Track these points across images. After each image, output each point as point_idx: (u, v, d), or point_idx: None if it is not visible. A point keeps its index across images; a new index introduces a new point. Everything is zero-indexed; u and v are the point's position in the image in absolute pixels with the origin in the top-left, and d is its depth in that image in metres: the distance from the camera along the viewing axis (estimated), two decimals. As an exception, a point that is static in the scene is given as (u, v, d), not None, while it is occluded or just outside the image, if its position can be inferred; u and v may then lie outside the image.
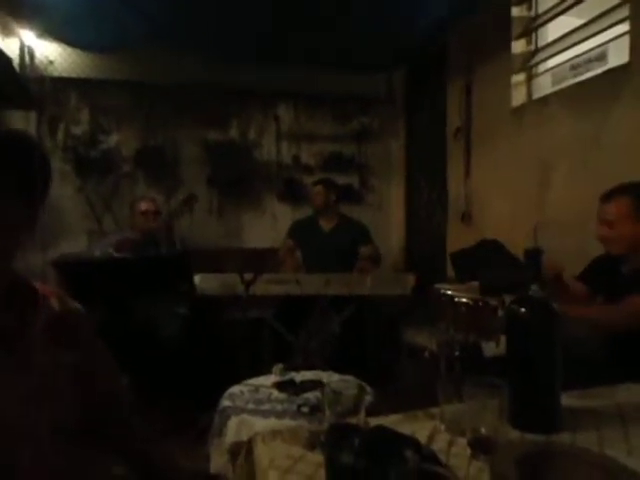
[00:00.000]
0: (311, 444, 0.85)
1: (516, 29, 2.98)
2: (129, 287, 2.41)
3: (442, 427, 0.92)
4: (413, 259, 4.17)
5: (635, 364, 1.35)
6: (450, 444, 0.85)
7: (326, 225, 3.40)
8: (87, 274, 2.32)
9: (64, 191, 3.63)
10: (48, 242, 3.58)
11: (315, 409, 1.82)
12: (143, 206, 3.10)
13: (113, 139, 3.70)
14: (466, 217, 3.39)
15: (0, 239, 0.77)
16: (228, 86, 3.81)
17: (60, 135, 3.62)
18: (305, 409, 1.83)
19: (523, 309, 0.88)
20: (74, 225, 3.65)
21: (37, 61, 3.51)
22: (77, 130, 3.64)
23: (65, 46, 3.51)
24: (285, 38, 3.37)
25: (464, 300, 1.84)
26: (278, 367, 2.19)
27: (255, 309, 2.91)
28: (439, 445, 0.85)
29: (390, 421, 0.93)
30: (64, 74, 3.56)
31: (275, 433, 0.92)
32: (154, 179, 3.79)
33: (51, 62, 3.53)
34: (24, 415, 0.73)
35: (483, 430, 0.82)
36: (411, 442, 0.73)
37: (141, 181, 3.78)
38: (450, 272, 3.27)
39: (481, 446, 0.80)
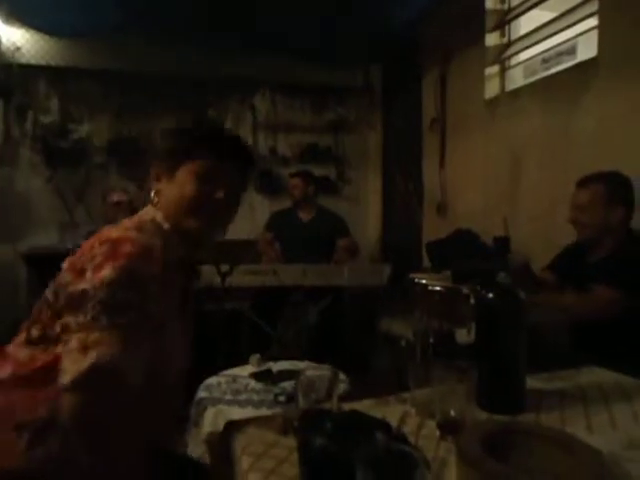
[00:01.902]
0: (285, 429, 0.87)
1: (490, 22, 3.02)
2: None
3: (413, 411, 0.94)
4: (390, 249, 4.21)
5: (599, 349, 1.40)
6: (420, 426, 0.88)
7: (304, 217, 3.40)
8: (58, 267, 2.27)
9: (33, 182, 3.54)
10: (18, 234, 3.49)
11: (292, 398, 1.83)
12: (115, 197, 3.04)
13: (84, 129, 3.61)
14: (441, 208, 3.44)
15: None
16: (203, 75, 3.76)
17: (29, 124, 3.52)
18: (282, 398, 1.84)
19: (490, 295, 0.91)
20: (44, 217, 3.56)
21: (3, 47, 3.39)
22: (46, 119, 3.54)
23: (33, 32, 3.40)
24: (262, 28, 3.34)
25: (437, 288, 1.88)
26: (255, 357, 2.20)
27: (232, 300, 2.91)
28: (409, 428, 0.87)
29: (363, 406, 0.95)
30: (32, 61, 3.44)
31: (250, 420, 0.93)
32: (127, 170, 3.71)
33: (18, 48, 3.41)
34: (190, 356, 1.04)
35: (452, 412, 0.84)
36: (381, 424, 0.75)
37: (114, 172, 3.70)
38: (426, 262, 3.32)
39: (449, 427, 0.82)
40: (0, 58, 3.37)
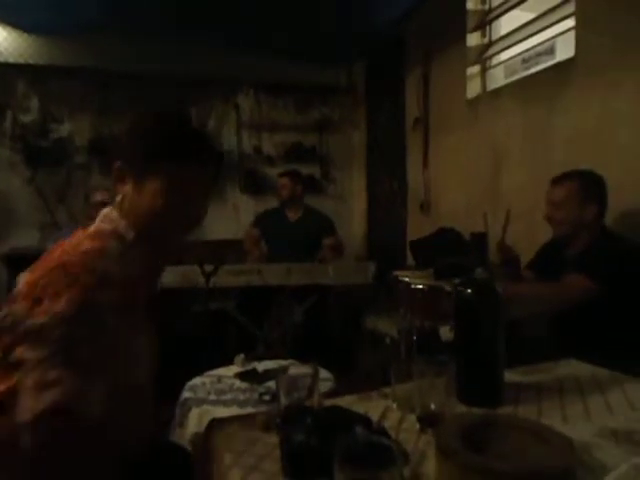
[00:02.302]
0: (267, 426, 0.87)
1: (471, 22, 3.05)
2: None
3: (394, 405, 0.95)
4: (374, 248, 4.24)
5: (576, 341, 1.43)
6: (401, 421, 0.89)
7: (292, 216, 3.41)
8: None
9: (13, 182, 3.49)
10: (-2, 235, 3.44)
11: (277, 397, 1.84)
12: (98, 196, 3.00)
13: (65, 128, 3.56)
14: (425, 206, 3.47)
15: None
16: (186, 73, 3.74)
17: (8, 123, 3.46)
18: (267, 397, 1.84)
19: (469, 290, 0.92)
20: (25, 218, 3.51)
21: (-19, 45, 3.34)
22: (26, 118, 3.49)
23: (11, 29, 3.34)
24: (246, 26, 3.33)
25: (420, 286, 1.90)
26: (240, 357, 2.19)
27: (217, 301, 2.90)
28: (390, 422, 0.88)
29: (345, 402, 0.96)
30: (10, 59, 3.39)
31: (232, 419, 0.94)
32: (109, 169, 3.66)
33: (-4, 46, 3.36)
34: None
35: (432, 406, 0.86)
36: (361, 419, 0.76)
37: (95, 172, 3.66)
38: (410, 260, 3.35)
39: (429, 421, 0.84)
40: (-23, 56, 3.32)
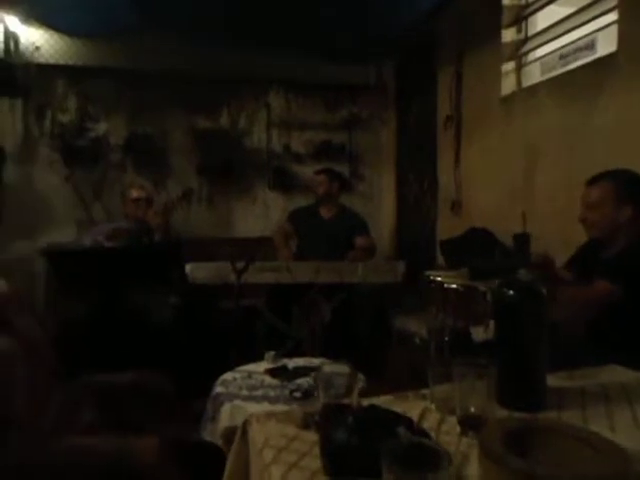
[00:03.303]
0: (305, 424, 0.87)
1: (506, 17, 2.99)
2: (120, 276, 2.41)
3: (432, 407, 0.94)
4: (403, 247, 4.20)
5: (618, 347, 1.39)
6: (440, 422, 0.88)
7: (326, 214, 3.42)
8: (77, 264, 2.31)
9: (52, 180, 3.60)
10: (36, 231, 3.55)
11: (307, 394, 1.85)
12: (134, 193, 3.08)
13: (101, 127, 3.65)
14: (456, 205, 3.42)
15: None
16: (219, 73, 3.78)
17: (47, 123, 3.57)
18: (297, 394, 1.85)
19: (511, 292, 0.90)
20: (62, 214, 3.62)
21: (22, 47, 3.44)
22: (65, 118, 3.59)
23: (51, 32, 3.45)
24: (277, 26, 3.34)
25: (453, 286, 1.87)
26: (270, 354, 2.21)
27: (247, 297, 2.93)
28: (430, 424, 0.87)
29: (382, 401, 0.95)
30: (51, 60, 3.49)
31: (269, 414, 0.94)
32: (143, 167, 3.76)
33: (37, 48, 3.46)
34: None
35: (472, 409, 0.84)
36: (403, 420, 0.76)
37: (130, 169, 3.75)
38: (440, 260, 3.31)
39: (470, 423, 0.82)
40: (19, 58, 3.43)
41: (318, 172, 3.48)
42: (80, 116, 3.60)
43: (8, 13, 3.30)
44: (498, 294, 0.92)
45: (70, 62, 3.52)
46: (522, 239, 0.94)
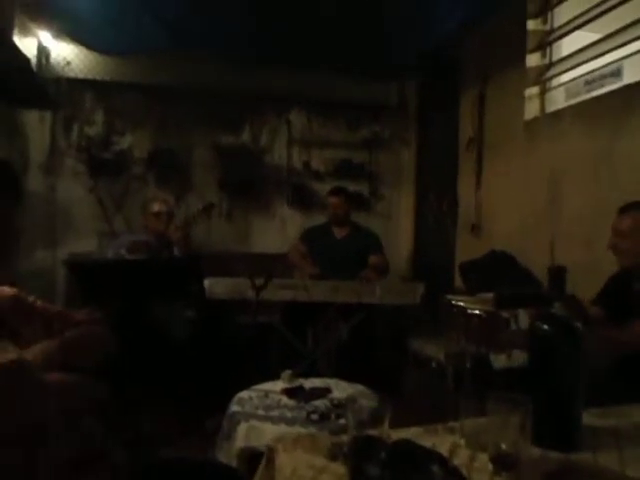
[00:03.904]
0: (333, 455, 0.86)
1: (531, 42, 2.99)
2: (139, 289, 2.42)
3: (462, 442, 0.92)
4: (421, 268, 4.17)
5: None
6: (471, 459, 0.86)
7: (339, 234, 3.42)
8: (99, 274, 2.33)
9: (77, 191, 3.67)
10: (58, 241, 3.61)
11: (325, 417, 1.83)
12: (156, 207, 3.11)
13: (126, 141, 3.72)
14: (475, 228, 3.39)
15: None
16: (242, 90, 3.84)
17: (74, 135, 3.65)
18: (315, 417, 1.83)
19: (547, 327, 0.89)
20: (85, 225, 3.68)
21: (53, 61, 3.55)
22: (91, 131, 3.68)
23: (82, 47, 3.54)
24: (299, 44, 3.40)
25: (476, 312, 1.85)
26: (287, 373, 2.19)
27: (263, 314, 2.92)
28: (460, 460, 0.85)
29: (410, 434, 0.93)
30: (80, 75, 3.59)
31: (295, 442, 0.93)
32: (165, 181, 3.81)
33: (68, 63, 3.56)
34: None
35: (504, 446, 0.82)
36: (436, 457, 0.74)
37: (152, 183, 3.80)
38: (458, 282, 3.27)
39: (504, 463, 0.80)
40: (50, 72, 3.53)
41: (333, 193, 3.48)
42: (106, 129, 3.68)
43: (41, 29, 3.41)
44: (534, 328, 0.91)
45: (99, 77, 3.62)
46: (557, 272, 0.93)
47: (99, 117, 3.69)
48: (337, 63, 3.70)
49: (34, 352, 0.92)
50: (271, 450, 0.92)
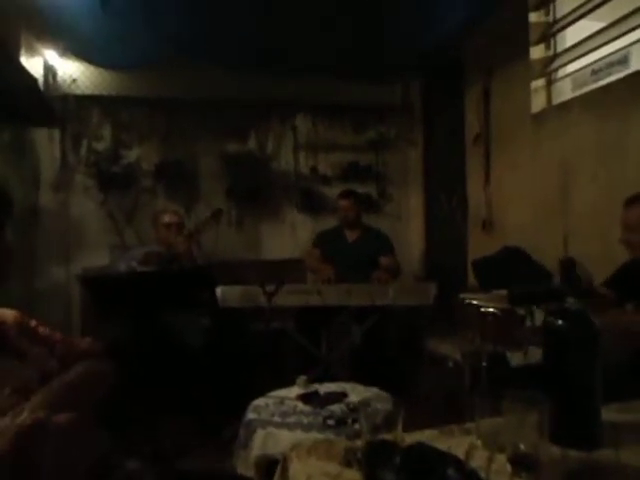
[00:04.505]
0: (347, 461, 0.85)
1: (534, 34, 2.96)
2: (153, 300, 2.44)
3: (479, 443, 0.90)
4: (433, 268, 4.14)
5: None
6: (489, 461, 0.83)
7: (350, 237, 3.41)
8: (113, 288, 2.35)
9: (87, 206, 3.70)
10: (70, 256, 3.65)
11: (341, 422, 1.81)
12: (166, 218, 3.13)
13: (134, 154, 3.76)
14: (487, 225, 3.35)
15: None
16: (246, 98, 3.86)
17: (83, 151, 3.69)
18: (331, 422, 1.82)
19: (561, 322, 0.86)
20: (96, 239, 3.71)
21: (60, 79, 3.60)
22: (99, 146, 3.72)
23: (87, 64, 3.59)
24: (301, 49, 3.40)
25: (491, 310, 1.82)
26: (301, 379, 2.19)
27: (276, 320, 2.92)
28: (477, 462, 0.83)
29: (425, 436, 0.92)
30: (86, 91, 3.64)
31: (310, 449, 0.92)
32: (174, 192, 3.83)
33: (74, 80, 3.61)
34: None
35: (522, 446, 0.80)
36: (452, 460, 0.72)
37: (161, 195, 3.83)
38: (471, 281, 3.24)
39: (522, 463, 0.78)
40: (57, 90, 3.58)
41: (343, 196, 3.48)
42: (114, 144, 3.72)
43: (47, 48, 3.46)
44: (548, 324, 0.88)
45: (105, 92, 3.66)
46: (568, 265, 0.91)
47: (107, 132, 3.73)
48: (339, 66, 3.70)
49: (42, 394, 0.93)
50: (285, 459, 0.91)
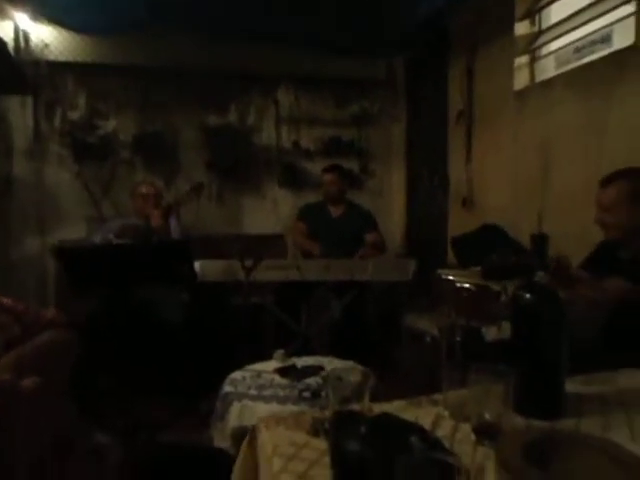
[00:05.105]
0: (315, 430, 0.85)
1: (519, 10, 2.93)
2: (130, 274, 2.40)
3: (445, 413, 0.91)
4: (414, 244, 4.16)
5: (634, 350, 1.35)
6: (454, 430, 0.85)
7: (335, 212, 3.39)
8: (88, 261, 2.31)
9: (62, 176, 3.61)
10: (46, 228, 3.57)
11: (317, 394, 1.83)
12: (143, 189, 3.08)
13: (111, 124, 3.64)
14: (467, 202, 3.37)
15: None
16: (227, 69, 3.76)
17: (57, 120, 3.57)
18: (307, 394, 1.84)
19: (529, 295, 0.87)
20: (72, 211, 3.63)
21: (32, 44, 3.44)
22: (74, 115, 3.59)
23: (60, 29, 3.44)
24: (285, 21, 3.31)
25: (466, 285, 1.84)
26: (279, 353, 2.20)
27: (256, 295, 2.92)
28: (443, 431, 0.85)
29: (394, 407, 0.93)
30: (60, 58, 3.49)
31: (278, 419, 0.92)
32: (152, 165, 3.75)
33: (47, 45, 3.46)
34: None
35: (487, 416, 0.81)
36: (417, 429, 0.73)
37: (139, 167, 3.74)
38: (451, 257, 3.27)
39: (486, 432, 0.79)
40: (29, 55, 3.43)
41: (327, 170, 3.45)
42: (89, 113, 3.60)
43: (18, 11, 3.30)
44: (516, 297, 0.89)
45: (79, 59, 3.51)
46: (539, 240, 0.91)
47: (82, 101, 3.60)
48: (324, 40, 3.61)
49: (8, 358, 0.91)
50: (254, 429, 0.92)
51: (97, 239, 2.87)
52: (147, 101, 3.71)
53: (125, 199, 3.43)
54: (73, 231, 3.53)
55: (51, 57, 3.47)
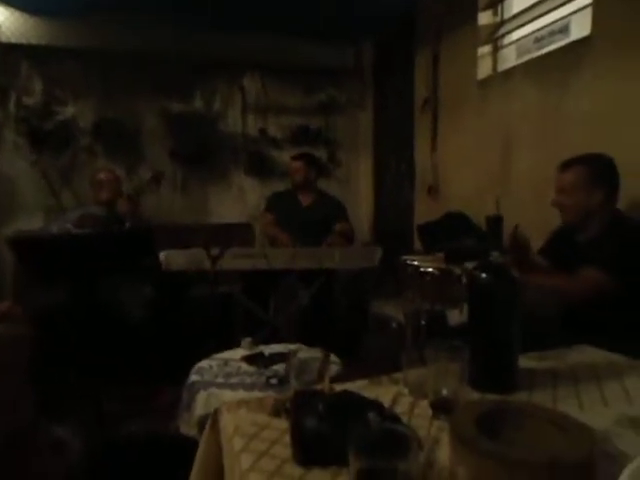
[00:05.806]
0: (276, 411, 0.86)
1: (483, 0, 2.97)
2: (90, 264, 2.34)
3: (405, 391, 0.94)
4: (381, 232, 4.21)
5: (589, 328, 1.41)
6: (412, 406, 0.87)
7: (304, 200, 3.36)
8: (44, 251, 2.23)
9: (18, 165, 3.46)
10: (2, 218, 3.43)
11: (284, 381, 1.84)
12: (101, 175, 3.01)
13: (69, 110, 3.51)
14: (432, 190, 3.42)
15: None
16: (191, 55, 3.67)
17: (11, 106, 3.42)
18: (274, 381, 1.84)
19: (484, 274, 0.90)
20: (30, 201, 3.49)
21: (-18, 25, 3.28)
22: (30, 100, 3.44)
23: (13, 10, 3.28)
24: (252, 6, 3.25)
25: (429, 270, 1.87)
26: (246, 341, 2.19)
27: (223, 284, 2.89)
28: (402, 408, 0.87)
29: (355, 386, 0.94)
30: (13, 40, 3.32)
31: (240, 403, 0.92)
32: (114, 153, 3.64)
33: (-2, 26, 3.30)
34: None
35: (445, 392, 0.84)
36: (374, 405, 0.75)
37: (100, 155, 3.63)
38: (417, 244, 3.32)
39: (442, 407, 0.82)
40: (-21, 36, 3.26)
41: (295, 157, 3.42)
42: (46, 99, 3.45)
43: (-35, -11, 3.13)
44: (471, 276, 0.92)
45: (34, 42, 3.36)
46: (495, 221, 0.94)
47: (37, 86, 3.45)
48: (291, 26, 3.57)
49: None
50: (216, 412, 0.91)
51: (54, 229, 2.77)
52: (107, 86, 3.59)
53: (86, 188, 3.32)
54: (31, 222, 3.40)
55: (3, 39, 3.31)
